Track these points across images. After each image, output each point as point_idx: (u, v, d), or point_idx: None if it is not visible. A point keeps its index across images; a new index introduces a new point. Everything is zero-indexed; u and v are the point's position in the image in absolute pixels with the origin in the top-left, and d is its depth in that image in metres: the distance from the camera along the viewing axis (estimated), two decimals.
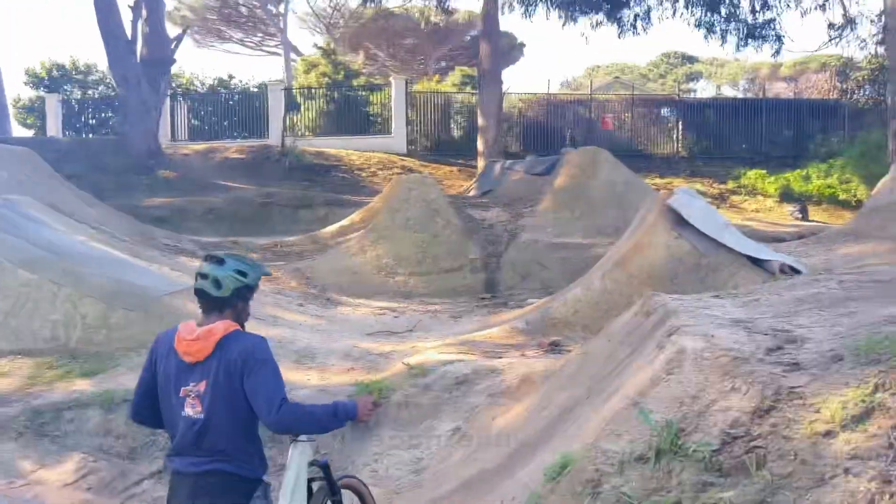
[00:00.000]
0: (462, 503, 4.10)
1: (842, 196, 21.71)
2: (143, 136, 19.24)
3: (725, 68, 56.48)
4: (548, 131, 24.73)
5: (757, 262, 7.97)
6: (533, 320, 8.15)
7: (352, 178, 19.95)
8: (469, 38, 36.09)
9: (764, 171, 22.92)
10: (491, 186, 16.46)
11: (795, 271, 7.64)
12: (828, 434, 2.24)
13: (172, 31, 23.34)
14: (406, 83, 23.61)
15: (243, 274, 2.72)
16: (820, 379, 2.50)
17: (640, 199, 12.95)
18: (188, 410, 2.64)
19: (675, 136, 26.07)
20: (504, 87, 21.50)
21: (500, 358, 6.59)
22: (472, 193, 17.02)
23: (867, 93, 19.89)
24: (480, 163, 19.78)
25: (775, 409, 2.44)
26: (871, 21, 18.23)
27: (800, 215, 20.36)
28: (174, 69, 22.98)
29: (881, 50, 18.17)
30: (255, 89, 27.01)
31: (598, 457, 2.73)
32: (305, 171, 19.75)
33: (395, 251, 12.06)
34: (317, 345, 8.35)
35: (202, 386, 2.63)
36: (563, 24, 19.57)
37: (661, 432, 2.60)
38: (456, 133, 25.01)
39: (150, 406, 2.83)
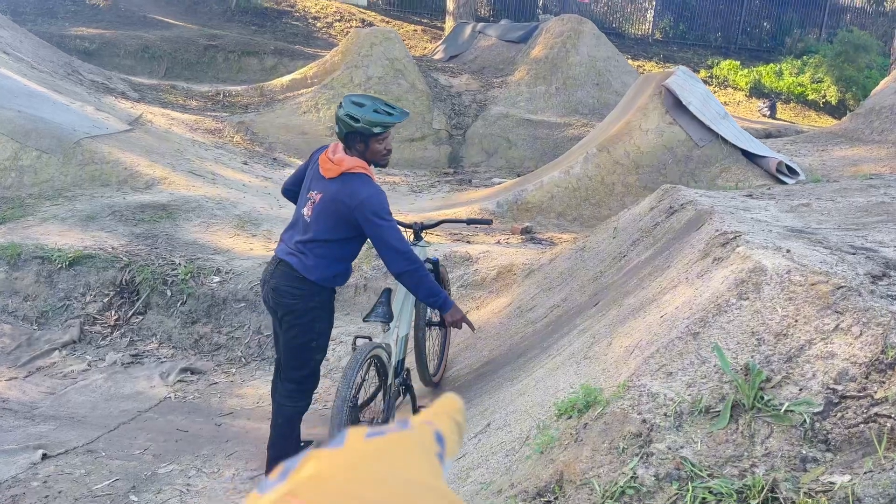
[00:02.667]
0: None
1: (811, 96, 21.18)
2: None
3: None
4: None
5: (750, 157, 7.34)
6: (504, 202, 7.42)
7: (305, 28, 18.16)
8: None
9: (737, 63, 22.09)
10: (459, 50, 15.14)
11: (792, 172, 7.06)
12: None
13: None
14: None
15: (354, 119, 3.01)
16: None
17: (621, 80, 12.06)
18: (306, 210, 3.18)
19: (650, 17, 24.71)
20: None
21: (471, 243, 5.88)
22: (438, 56, 15.68)
23: None
24: (449, 23, 18.22)
25: None
26: None
27: (768, 112, 19.84)
28: None
29: None
30: None
31: (644, 400, 2.07)
32: (254, 15, 17.84)
33: None
34: (262, 210, 7.47)
35: (318, 196, 3.13)
36: None
37: (737, 379, 1.94)
38: None
39: (296, 191, 3.38)
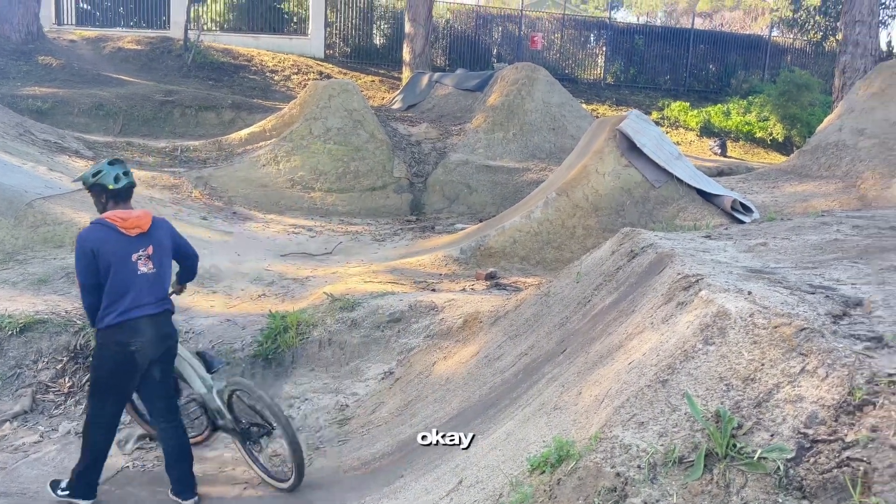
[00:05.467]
0: (399, 472, 3.38)
1: (758, 134, 21.93)
2: (22, 16, 16.75)
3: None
4: (475, 46, 23.56)
5: (706, 196, 7.51)
6: (467, 248, 7.42)
7: (263, 81, 18.24)
8: None
9: (687, 104, 22.82)
10: (417, 100, 15.34)
11: (746, 209, 7.23)
12: None
13: None
14: None
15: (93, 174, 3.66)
16: None
17: (576, 124, 12.32)
18: (142, 268, 3.59)
19: (601, 62, 25.48)
20: None
21: (437, 292, 5.84)
22: (396, 106, 15.85)
23: (815, 26, 19.67)
24: (406, 73, 18.50)
25: (873, 404, 1.80)
26: None
27: (719, 150, 20.46)
28: None
29: None
30: None
31: (616, 452, 2.03)
32: (210, 70, 17.87)
33: (311, 164, 10.96)
34: (223, 265, 7.34)
35: (149, 249, 3.62)
36: None
37: (709, 427, 1.92)
38: (379, 40, 23.36)
39: (98, 295, 3.57)
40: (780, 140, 21.33)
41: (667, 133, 21.83)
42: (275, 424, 3.79)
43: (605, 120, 8.52)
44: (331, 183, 10.82)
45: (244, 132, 12.17)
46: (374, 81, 20.22)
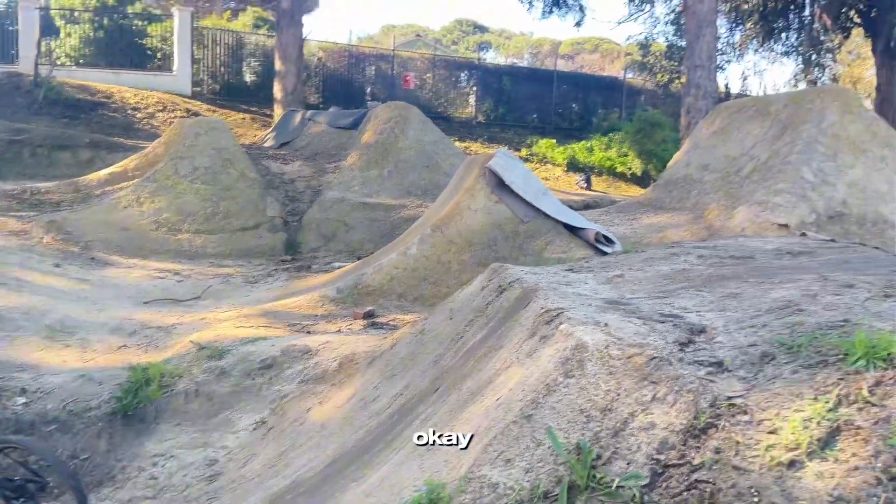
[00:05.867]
0: None
1: (619, 168, 23.37)
2: None
3: (512, 41, 59.12)
4: (349, 84, 23.68)
5: (571, 229, 7.86)
6: (344, 288, 7.33)
7: (124, 119, 17.36)
8: None
9: (553, 141, 23.98)
10: (290, 137, 15.14)
11: (608, 241, 7.63)
12: (793, 465, 1.75)
13: None
14: (192, 16, 21.03)
15: None
16: (760, 386, 2.02)
17: (450, 161, 12.60)
18: None
19: (472, 101, 26.34)
20: (304, 33, 19.93)
21: (312, 334, 5.71)
22: (268, 144, 15.56)
23: (662, 70, 21.38)
24: (277, 111, 18.25)
25: (716, 427, 1.92)
26: (665, 0, 19.42)
27: (585, 185, 21.60)
28: None
29: (673, 29, 19.49)
30: (3, 6, 22.50)
31: (485, 492, 2.05)
32: (65, 107, 16.79)
33: (178, 205, 10.49)
34: (78, 316, 6.81)
35: None
36: None
37: (571, 460, 1.97)
38: (249, 77, 22.94)
39: None
40: (639, 174, 22.86)
41: (535, 169, 22.83)
42: (49, 479, 3.57)
43: (475, 158, 8.77)
44: (199, 224, 10.39)
45: (104, 172, 11.47)
46: (245, 119, 19.79)
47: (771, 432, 1.85)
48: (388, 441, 3.25)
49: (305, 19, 19.79)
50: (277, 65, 18.76)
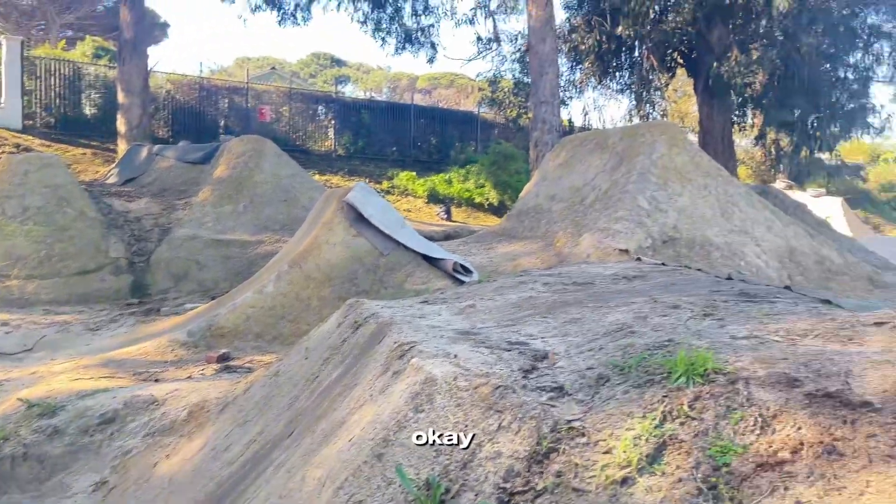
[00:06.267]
0: None
1: (477, 199, 24.14)
2: None
3: (371, 75, 59.87)
4: (200, 118, 22.83)
5: (431, 260, 7.98)
6: (196, 330, 6.97)
7: None
8: (102, 7, 31.86)
9: (413, 174, 24.38)
10: (135, 173, 14.31)
11: (466, 270, 7.82)
12: (626, 481, 1.85)
13: None
14: (22, 45, 19.47)
15: None
16: (596, 408, 2.13)
17: (308, 195, 12.44)
18: None
19: (331, 134, 26.26)
20: (150, 64, 19.04)
21: (161, 382, 5.36)
22: (111, 181, 14.61)
23: (511, 105, 22.42)
24: (122, 146, 17.21)
25: (557, 451, 2.00)
26: (511, 40, 20.45)
27: (445, 216, 22.09)
28: None
29: (520, 66, 20.52)
30: None
31: None
32: None
33: (5, 248, 9.58)
34: None
35: None
36: (222, 1, 18.02)
37: (420, 496, 1.98)
38: (89, 110, 21.49)
39: None
40: (496, 204, 23.71)
41: (397, 201, 23.08)
42: None
43: (333, 192, 8.72)
44: (31, 269, 9.52)
45: None
46: (85, 154, 18.50)
47: (606, 452, 1.95)
48: (240, 492, 3.10)
49: (152, 50, 18.96)
50: (120, 97, 17.74)
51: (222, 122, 23.61)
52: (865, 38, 18.42)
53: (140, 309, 9.39)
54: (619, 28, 17.32)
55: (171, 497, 3.67)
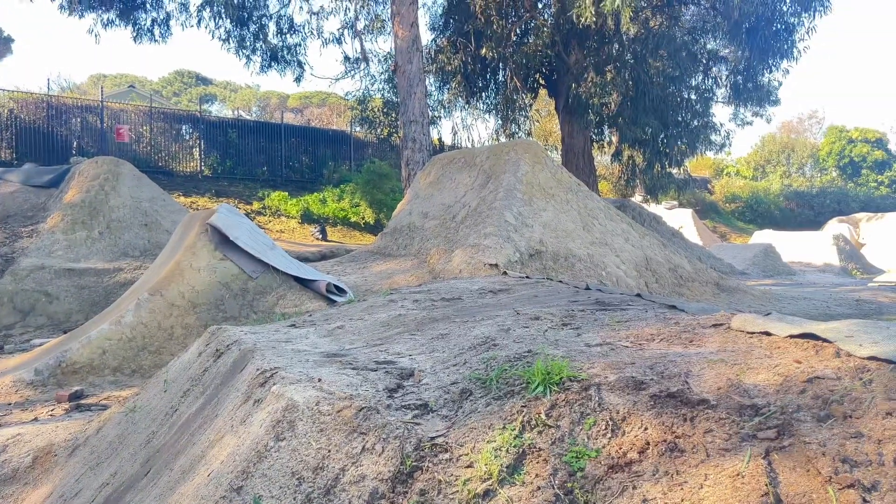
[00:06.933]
0: None
1: (353, 218, 23.99)
2: None
3: (239, 93, 58.27)
4: (49, 138, 21.21)
5: (303, 282, 7.81)
6: (44, 368, 6.41)
7: None
8: None
9: (286, 194, 23.87)
10: None
11: (340, 290, 7.72)
12: (488, 494, 1.88)
13: None
14: None
15: None
16: (459, 423, 2.15)
17: (171, 218, 11.85)
18: None
19: (197, 155, 25.23)
20: None
21: (1, 427, 4.87)
22: None
23: (382, 124, 22.48)
24: None
25: (421, 469, 1.99)
26: (380, 60, 20.55)
27: (320, 236, 21.75)
28: None
29: (388, 86, 20.63)
30: None
31: None
32: None
33: None
34: None
35: None
36: (69, 15, 16.87)
37: None
38: None
39: None
40: (372, 223, 23.66)
41: (269, 222, 22.48)
42: None
43: (196, 214, 8.35)
44: None
45: None
46: None
47: (468, 466, 1.98)
48: None
49: None
50: None
51: (75, 143, 22.06)
52: (705, 62, 20.12)
53: None
54: (483, 50, 17.88)
55: None
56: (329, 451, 2.12)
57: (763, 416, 1.89)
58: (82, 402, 5.86)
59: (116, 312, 7.44)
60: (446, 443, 2.06)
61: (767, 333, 2.48)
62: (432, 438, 2.09)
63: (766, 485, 1.67)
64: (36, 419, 5.22)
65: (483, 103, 20.92)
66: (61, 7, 16.93)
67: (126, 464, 3.36)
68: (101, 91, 24.40)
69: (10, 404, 6.02)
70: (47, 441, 4.25)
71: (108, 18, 17.67)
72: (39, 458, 4.13)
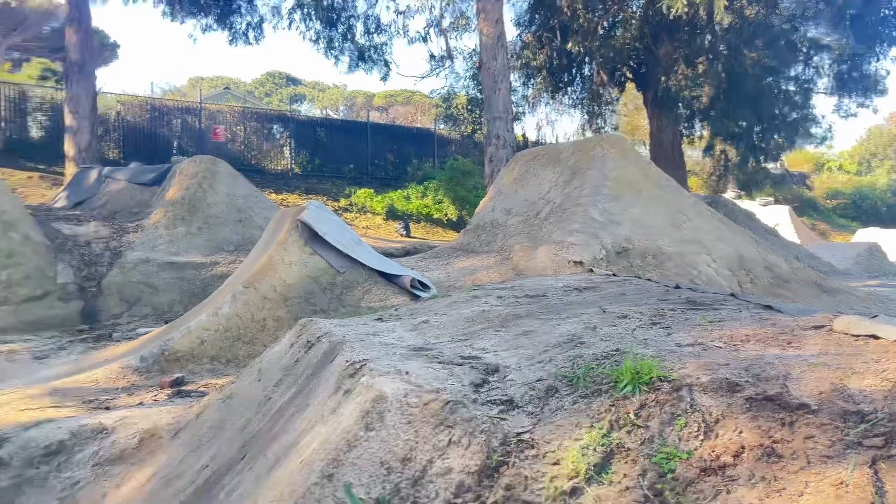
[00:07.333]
0: None
1: (436, 215, 24.21)
2: None
3: (326, 93, 59.78)
4: (153, 138, 22.48)
5: (388, 277, 7.96)
6: (149, 356, 6.81)
7: None
8: (49, 29, 31.13)
9: (371, 191, 24.35)
10: (85, 196, 13.97)
11: (424, 286, 7.82)
12: (575, 492, 1.87)
13: None
14: None
15: None
16: (545, 420, 2.15)
17: (263, 215, 12.31)
18: None
19: (287, 153, 26.09)
20: (98, 85, 18.69)
21: (110, 410, 5.21)
22: (59, 204, 14.23)
23: (465, 121, 22.63)
24: (70, 169, 16.80)
25: (506, 464, 2.01)
26: (464, 57, 20.67)
27: (404, 232, 22.09)
28: None
29: (473, 83, 20.72)
30: None
31: None
32: None
33: None
34: None
35: None
36: (171, 21, 17.81)
37: None
38: (36, 133, 20.98)
39: None
40: (455, 219, 23.82)
41: (356, 218, 23.01)
42: None
43: (287, 211, 8.66)
44: None
45: None
46: (31, 178, 18.02)
47: (555, 463, 1.97)
48: None
49: (103, 71, 18.65)
50: (68, 119, 17.34)
51: (175, 143, 23.29)
52: (805, 51, 19.12)
53: (91, 335, 9.13)
54: (569, 44, 17.64)
55: None
56: (417, 443, 2.16)
57: (869, 423, 1.79)
58: (182, 388, 6.19)
59: (213, 304, 7.81)
60: (532, 439, 2.06)
61: (875, 337, 2.35)
62: (518, 434, 2.10)
63: (873, 494, 1.59)
64: (141, 403, 5.55)
65: (568, 98, 20.66)
66: (164, 13, 17.90)
67: (224, 448, 3.53)
68: (200, 93, 25.62)
69: (117, 389, 6.43)
70: (152, 424, 4.51)
71: (206, 23, 18.55)
72: (145, 440, 4.39)
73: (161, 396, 5.89)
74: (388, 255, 13.52)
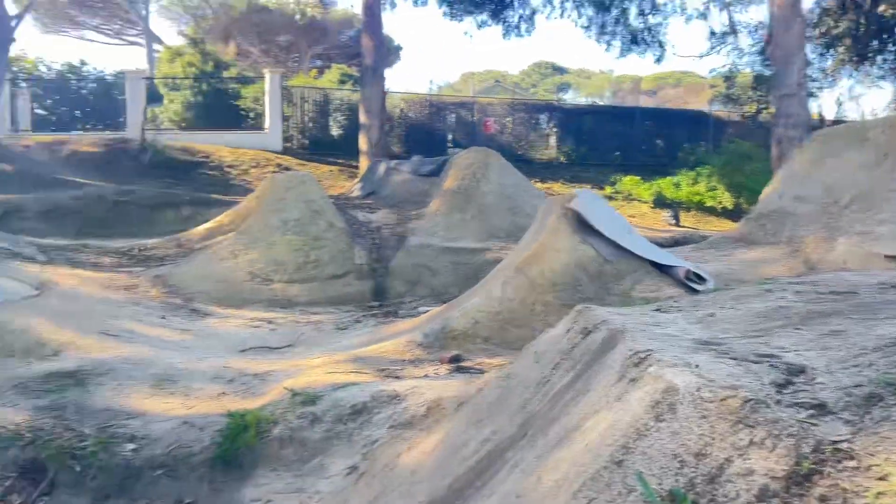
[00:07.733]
0: None
1: (708, 203, 22.68)
2: None
3: (592, 80, 59.09)
4: (430, 132, 24.26)
5: (660, 268, 7.67)
6: (431, 332, 7.40)
7: (222, 177, 18.40)
8: (346, 37, 35.17)
9: (638, 178, 23.61)
10: (375, 187, 15.61)
11: (700, 278, 7.39)
12: None
13: (13, 9, 20.65)
14: (281, 77, 22.24)
15: None
16: (866, 429, 1.91)
17: (531, 203, 12.62)
18: None
19: (553, 142, 26.38)
20: (386, 86, 20.70)
21: (400, 379, 5.78)
22: (355, 194, 16.09)
23: (749, 100, 20.87)
24: (363, 162, 18.88)
25: (820, 473, 1.82)
26: (749, 32, 19.07)
27: (673, 221, 21.09)
28: (15, 52, 20.33)
29: (759, 59, 19.04)
30: (112, 77, 24.52)
31: None
32: (169, 168, 18.00)
33: (270, 256, 10.95)
34: (180, 364, 7.16)
35: None
36: (451, 19, 19.05)
37: None
38: (335, 131, 23.90)
39: None
40: (730, 208, 22.11)
41: (621, 206, 22.51)
42: None
43: (556, 199, 8.77)
44: (291, 273, 10.79)
45: (202, 228, 12.16)
46: (332, 171, 20.57)
47: (881, 478, 1.74)
48: (477, 487, 3.24)
49: (387, 73, 20.59)
50: (362, 118, 19.48)
51: (450, 136, 24.87)
52: None
53: (380, 311, 10.19)
54: (881, 7, 15.25)
55: (413, 487, 3.93)
56: (712, 439, 2.06)
57: None
58: (460, 364, 6.63)
59: (485, 288, 8.22)
60: (851, 449, 1.84)
61: None
62: (834, 442, 1.89)
63: None
64: (426, 375, 6.07)
65: (877, 69, 17.92)
66: (445, 14, 19.23)
67: (504, 424, 3.70)
68: (472, 87, 27.05)
69: (404, 360, 7.10)
70: (437, 395, 4.91)
71: (481, 20, 19.54)
72: (431, 409, 4.79)
73: (441, 371, 6.37)
74: (657, 244, 13.02)
